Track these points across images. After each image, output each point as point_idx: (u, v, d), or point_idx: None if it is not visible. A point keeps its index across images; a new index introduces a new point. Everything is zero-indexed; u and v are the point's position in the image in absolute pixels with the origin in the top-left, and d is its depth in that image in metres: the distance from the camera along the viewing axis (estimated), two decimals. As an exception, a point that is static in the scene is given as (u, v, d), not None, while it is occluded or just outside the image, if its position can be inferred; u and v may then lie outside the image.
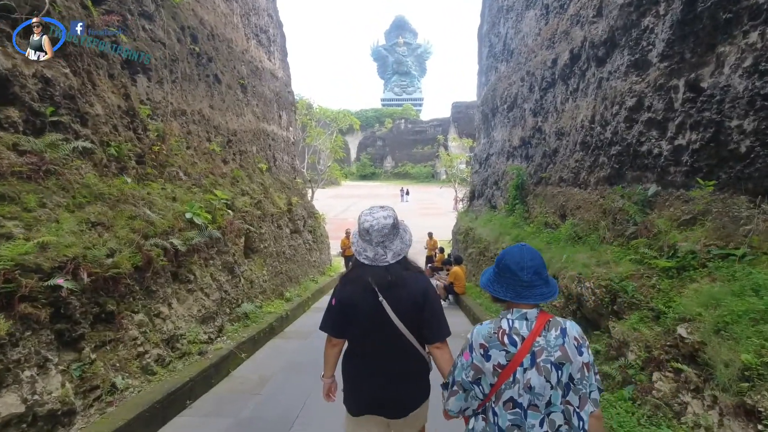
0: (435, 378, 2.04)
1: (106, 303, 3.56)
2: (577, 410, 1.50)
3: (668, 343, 3.03)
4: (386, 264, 2.00)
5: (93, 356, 3.35)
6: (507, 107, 10.79)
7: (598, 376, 1.58)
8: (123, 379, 3.58)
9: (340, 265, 14.99)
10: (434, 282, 10.16)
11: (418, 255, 19.51)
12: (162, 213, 4.85)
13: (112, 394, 3.43)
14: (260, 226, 8.12)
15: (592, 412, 1.52)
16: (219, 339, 5.30)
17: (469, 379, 1.59)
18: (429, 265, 15.33)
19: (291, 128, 12.40)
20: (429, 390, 2.16)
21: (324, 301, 10.09)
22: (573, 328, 1.57)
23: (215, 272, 5.79)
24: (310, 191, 17.49)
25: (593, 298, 4.16)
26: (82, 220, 3.67)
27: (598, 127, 5.81)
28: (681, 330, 2.90)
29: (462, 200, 21.17)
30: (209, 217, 5.74)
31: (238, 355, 5.20)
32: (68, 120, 3.98)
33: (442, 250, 15.14)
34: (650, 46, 4.61)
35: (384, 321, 1.97)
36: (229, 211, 6.53)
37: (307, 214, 12.22)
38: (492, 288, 1.64)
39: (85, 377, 3.23)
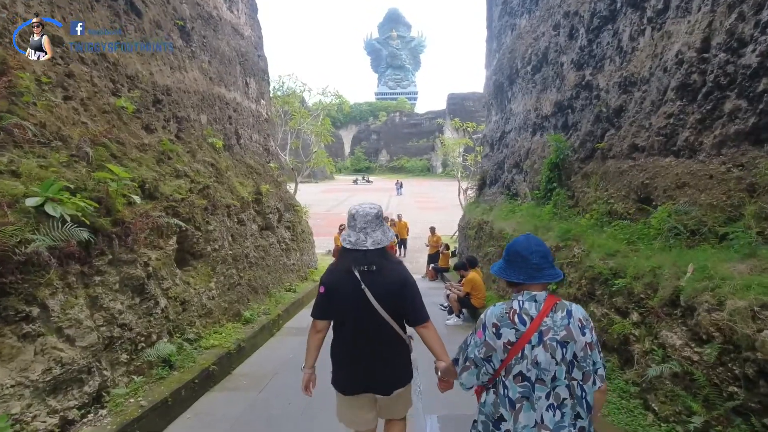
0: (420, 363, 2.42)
1: None
2: (581, 383, 1.62)
3: None
4: (365, 249, 2.17)
5: None
6: (532, 68, 8.55)
7: (601, 355, 1.70)
8: None
9: (323, 269, 12.74)
10: (444, 291, 7.94)
11: (417, 253, 17.24)
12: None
13: None
14: (207, 222, 5.85)
15: (599, 387, 1.66)
16: (89, 418, 3.05)
17: (481, 356, 1.69)
18: (432, 265, 13.11)
19: (263, 101, 10.09)
20: (411, 372, 2.37)
21: (303, 319, 7.84)
22: (578, 311, 1.68)
23: (104, 295, 3.53)
24: (294, 183, 15.19)
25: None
26: None
27: (722, 54, 3.60)
28: None
29: (466, 190, 18.94)
30: (94, 206, 3.48)
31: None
32: None
33: (447, 247, 12.93)
34: None
35: (366, 307, 2.15)
36: (140, 199, 4.27)
37: (285, 206, 9.95)
38: (505, 273, 1.75)
39: None
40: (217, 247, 5.98)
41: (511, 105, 10.12)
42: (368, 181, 49.15)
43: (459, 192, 19.25)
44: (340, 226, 11.25)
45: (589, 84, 6.18)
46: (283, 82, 15.01)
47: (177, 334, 4.53)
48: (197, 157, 6.22)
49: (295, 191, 14.69)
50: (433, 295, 8.93)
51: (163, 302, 4.34)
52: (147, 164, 4.93)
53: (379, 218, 2.25)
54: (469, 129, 19.36)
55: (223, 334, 5.33)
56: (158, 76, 5.59)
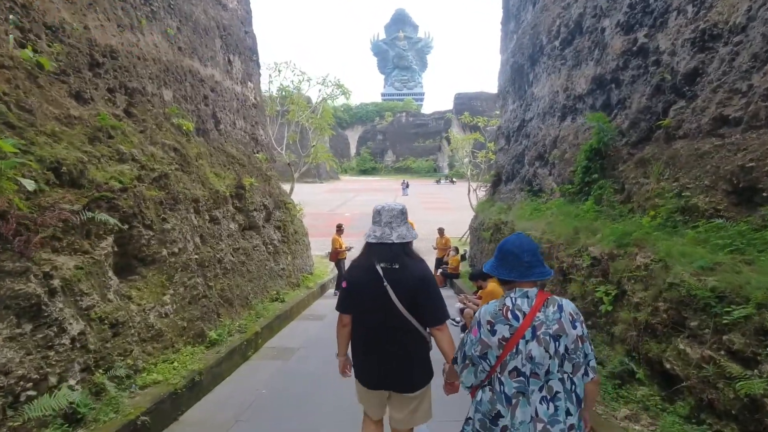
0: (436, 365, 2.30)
1: None
2: (570, 376, 1.64)
3: None
4: (390, 242, 2.19)
5: None
6: (561, 42, 7.29)
7: (592, 347, 1.72)
8: None
9: (326, 271, 11.54)
10: (457, 305, 6.68)
11: (424, 256, 15.87)
12: None
13: None
14: (163, 218, 4.66)
15: (592, 378, 1.68)
16: None
17: (477, 353, 1.71)
18: (440, 269, 11.85)
19: (250, 84, 8.91)
20: (431, 372, 2.32)
21: (290, 335, 6.63)
22: (568, 305, 1.70)
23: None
24: (292, 179, 14.01)
25: None
26: None
27: None
28: None
29: (476, 190, 17.66)
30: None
31: None
32: None
33: (456, 250, 11.66)
34: None
35: (387, 303, 2.16)
36: (46, 186, 3.08)
37: (275, 203, 8.76)
38: (498, 271, 1.78)
39: None
40: (176, 250, 4.79)
41: (533, 89, 8.85)
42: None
43: (469, 191, 17.96)
44: (338, 226, 10.01)
45: (643, 48, 4.91)
46: (279, 71, 13.84)
47: (100, 371, 3.33)
48: (154, 138, 5.03)
49: (292, 188, 13.51)
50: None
51: (76, 328, 3.13)
52: (71, 142, 3.74)
53: (404, 214, 2.29)
54: (480, 124, 18.08)
55: (175, 364, 4.13)
56: (98, 33, 4.40)
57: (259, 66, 9.61)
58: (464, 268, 11.73)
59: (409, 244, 2.27)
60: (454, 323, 6.86)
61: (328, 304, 8.89)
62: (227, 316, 5.70)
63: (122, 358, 3.62)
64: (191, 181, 5.53)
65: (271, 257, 8.09)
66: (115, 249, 4.05)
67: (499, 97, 12.07)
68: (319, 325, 7.22)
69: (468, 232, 17.58)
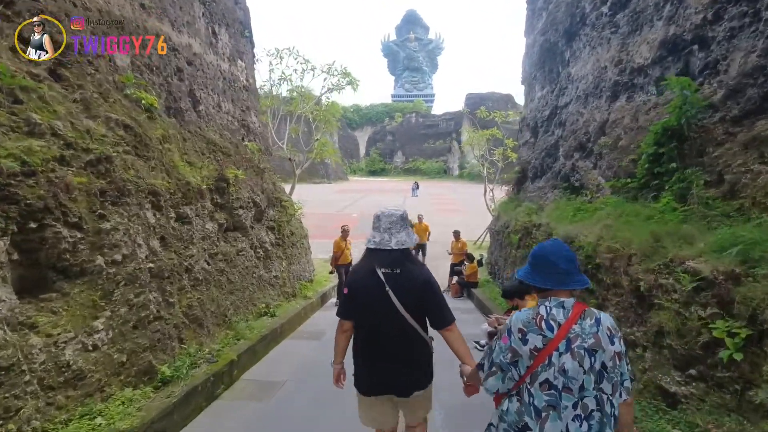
0: (438, 368, 2.37)
1: None
2: (610, 398, 1.54)
3: None
4: (389, 249, 2.17)
5: None
6: (610, 7, 6.00)
7: (629, 366, 1.65)
8: None
9: (328, 278, 10.28)
10: (485, 326, 5.39)
11: (437, 260, 14.51)
12: None
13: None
14: (101, 215, 3.48)
15: (625, 399, 1.60)
16: None
17: (507, 360, 1.63)
18: (457, 278, 10.56)
19: (241, 63, 7.72)
20: (432, 375, 2.33)
21: (278, 360, 5.41)
22: (606, 319, 1.62)
23: None
24: (294, 175, 12.85)
25: None
26: None
27: None
28: None
29: (492, 190, 16.31)
30: None
31: None
32: None
33: (471, 258, 10.34)
34: None
35: (389, 309, 2.14)
36: None
37: (268, 200, 7.56)
38: (532, 279, 1.70)
39: None
40: (119, 257, 3.59)
41: (570, 69, 7.55)
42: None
43: (485, 192, 16.62)
44: (343, 227, 8.77)
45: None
46: (281, 57, 12.67)
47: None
48: (94, 111, 3.84)
49: (293, 186, 12.33)
50: (462, 323, 6.40)
51: None
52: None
53: (404, 220, 2.27)
54: (497, 119, 16.74)
55: (99, 420, 2.92)
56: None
57: (252, 45, 8.43)
58: (482, 275, 10.42)
59: (409, 249, 2.25)
60: (479, 347, 5.60)
61: (328, 318, 7.66)
62: (194, 340, 4.49)
63: (0, 421, 2.42)
64: (149, 169, 4.33)
65: (261, 263, 6.89)
66: (15, 257, 2.86)
67: (524, 82, 10.75)
68: (316, 347, 5.99)
69: (483, 235, 16.29)
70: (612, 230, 4.38)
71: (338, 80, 13.21)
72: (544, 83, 9.09)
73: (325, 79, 12.99)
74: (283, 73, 12.74)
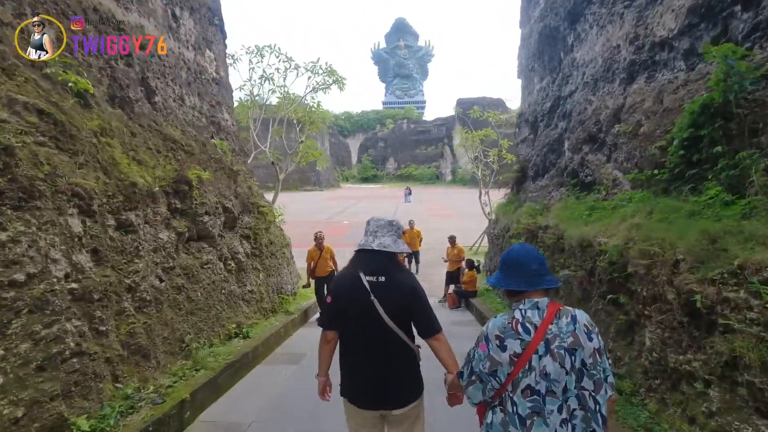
0: (428, 377, 2.28)
1: None
2: (593, 394, 1.50)
3: None
4: (370, 249, 2.15)
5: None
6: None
7: (610, 361, 1.63)
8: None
9: (312, 291, 9.39)
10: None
11: (431, 268, 13.72)
12: None
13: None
14: (-7, 222, 2.64)
15: (610, 396, 1.54)
16: None
17: (486, 370, 1.59)
18: (453, 287, 9.75)
19: (209, 53, 6.91)
20: (422, 385, 2.23)
21: (244, 396, 4.54)
22: (582, 316, 1.60)
23: None
24: (278, 180, 12.06)
25: None
26: None
27: None
28: None
29: (487, 192, 15.59)
30: None
31: None
32: None
33: (471, 265, 9.54)
34: None
35: (375, 318, 2.07)
36: None
37: (241, 205, 6.73)
38: (504, 283, 1.69)
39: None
40: (21, 277, 2.76)
41: (574, 54, 6.85)
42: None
43: (480, 195, 15.89)
44: (316, 235, 7.85)
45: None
46: (262, 55, 11.88)
47: None
48: (-7, 89, 3.02)
49: (276, 193, 11.50)
50: (460, 338, 5.56)
51: None
52: None
53: (391, 226, 2.24)
54: (490, 118, 16.06)
55: None
56: None
57: (224, 35, 7.64)
58: (481, 283, 9.62)
59: (393, 255, 2.20)
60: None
61: (309, 337, 6.80)
62: (136, 376, 3.63)
63: None
64: (74, 166, 3.50)
65: (233, 276, 6.04)
66: None
67: (521, 74, 10.06)
68: (293, 373, 5.15)
69: (480, 240, 15.54)
70: (643, 231, 3.62)
71: (323, 79, 12.45)
72: (544, 74, 8.40)
73: (309, 78, 12.23)
74: (264, 71, 11.96)
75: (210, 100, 6.83)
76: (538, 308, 1.57)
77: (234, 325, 5.61)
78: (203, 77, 6.67)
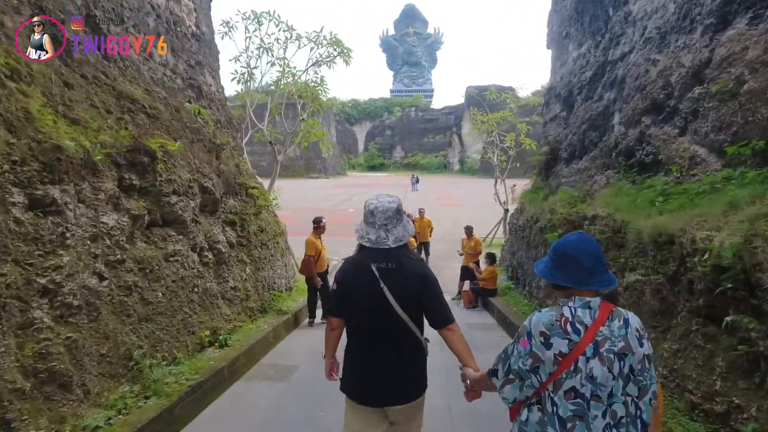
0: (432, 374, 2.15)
1: None
2: (636, 400, 1.41)
3: None
4: (387, 247, 1.96)
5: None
6: None
7: (655, 369, 1.53)
8: None
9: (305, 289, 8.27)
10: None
11: (443, 261, 12.52)
12: None
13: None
14: None
15: (653, 403, 1.45)
16: None
17: (527, 367, 1.46)
18: (470, 284, 8.63)
19: (189, 2, 5.75)
20: (426, 383, 2.12)
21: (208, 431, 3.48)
22: (634, 320, 1.47)
23: None
24: (276, 162, 10.94)
25: None
26: None
27: None
28: None
29: (503, 180, 14.37)
30: None
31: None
32: None
33: (492, 259, 8.36)
34: None
35: (383, 306, 1.95)
36: None
37: (225, 185, 5.63)
38: (551, 275, 1.53)
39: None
40: None
41: (630, 5, 5.61)
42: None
43: (496, 182, 14.67)
44: (316, 220, 6.66)
45: None
46: (260, 22, 10.66)
47: None
48: None
49: (274, 176, 10.37)
50: (482, 348, 4.21)
51: None
52: None
53: (399, 213, 2.02)
54: (507, 100, 14.76)
55: None
56: None
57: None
58: (502, 281, 8.50)
59: (407, 245, 2.03)
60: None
61: (305, 342, 5.74)
62: (44, 417, 2.57)
63: None
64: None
65: (210, 271, 4.97)
66: None
67: (551, 43, 8.80)
68: (281, 393, 4.10)
69: (494, 231, 14.38)
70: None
71: (327, 51, 11.20)
72: (583, 39, 7.15)
73: (312, 50, 10.99)
74: (262, 41, 10.73)
75: (188, 58, 5.69)
76: (590, 307, 1.43)
77: (208, 332, 4.54)
78: (178, 30, 5.52)
